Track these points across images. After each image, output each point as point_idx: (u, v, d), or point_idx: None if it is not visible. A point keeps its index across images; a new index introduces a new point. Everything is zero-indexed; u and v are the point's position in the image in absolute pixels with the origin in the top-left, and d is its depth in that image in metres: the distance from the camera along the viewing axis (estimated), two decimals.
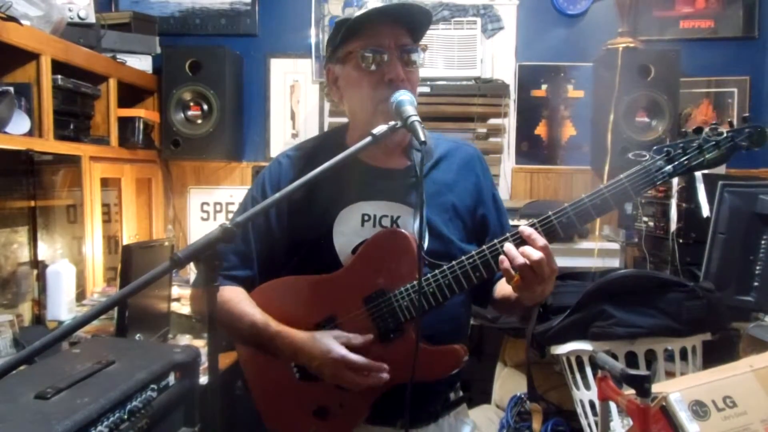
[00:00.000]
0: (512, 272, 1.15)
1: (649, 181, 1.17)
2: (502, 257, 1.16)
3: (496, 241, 1.20)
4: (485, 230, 1.39)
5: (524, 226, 1.17)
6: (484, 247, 1.21)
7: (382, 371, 1.21)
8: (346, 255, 1.30)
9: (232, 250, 1.32)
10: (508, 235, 1.20)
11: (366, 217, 1.32)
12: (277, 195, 1.05)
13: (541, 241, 1.14)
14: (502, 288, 1.38)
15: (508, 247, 1.16)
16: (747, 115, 1.21)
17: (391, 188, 1.33)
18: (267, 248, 1.35)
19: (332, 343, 1.21)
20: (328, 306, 1.27)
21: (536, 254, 1.13)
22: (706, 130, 1.17)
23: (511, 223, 1.50)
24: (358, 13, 1.26)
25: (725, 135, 1.16)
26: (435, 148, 1.40)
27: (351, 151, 1.11)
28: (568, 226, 1.19)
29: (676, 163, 1.17)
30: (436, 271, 1.23)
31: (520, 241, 1.17)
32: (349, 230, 1.31)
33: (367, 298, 1.26)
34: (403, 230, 1.28)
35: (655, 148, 1.20)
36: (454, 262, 1.22)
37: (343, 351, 1.20)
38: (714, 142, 1.16)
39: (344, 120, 1.47)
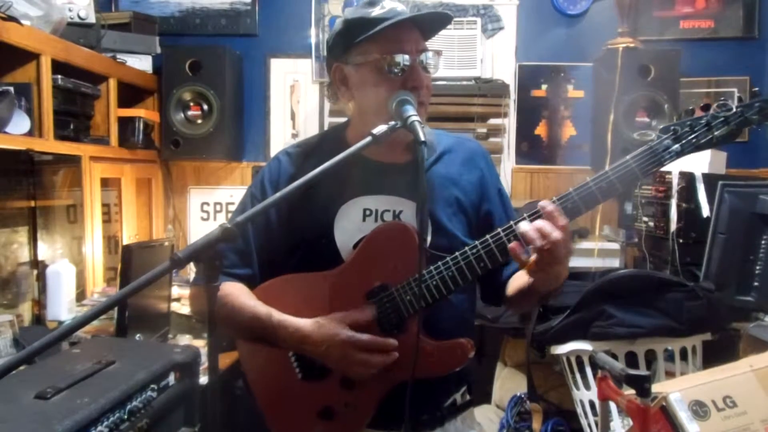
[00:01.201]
0: (521, 257, 1.12)
1: (657, 160, 1.13)
2: (512, 243, 1.13)
3: (500, 230, 1.19)
4: (490, 226, 1.36)
5: (544, 202, 1.13)
6: (487, 236, 1.20)
7: (390, 348, 1.20)
8: (347, 250, 1.29)
9: (232, 249, 1.32)
10: (511, 223, 1.18)
11: (367, 212, 1.31)
12: (278, 195, 1.04)
13: (563, 219, 1.11)
14: (515, 282, 1.35)
15: (524, 229, 1.12)
16: (756, 89, 1.16)
17: (392, 183, 1.32)
18: (267, 246, 1.34)
19: (338, 326, 1.20)
20: (331, 302, 1.26)
21: (555, 233, 1.09)
22: (714, 106, 1.13)
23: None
24: (376, 12, 1.24)
25: (734, 110, 1.12)
26: (438, 143, 1.39)
27: (351, 151, 1.10)
28: (572, 212, 1.15)
29: (684, 141, 1.12)
30: (439, 263, 1.21)
31: (535, 218, 1.13)
32: (351, 225, 1.30)
33: (369, 293, 1.25)
34: (404, 223, 1.26)
35: (662, 127, 1.16)
36: (457, 254, 1.21)
37: (350, 332, 1.19)
38: (723, 118, 1.12)
39: (345, 119, 1.46)
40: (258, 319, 1.25)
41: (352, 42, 1.27)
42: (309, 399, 1.28)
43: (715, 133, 1.12)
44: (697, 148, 1.13)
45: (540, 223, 1.11)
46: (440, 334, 1.24)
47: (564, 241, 1.10)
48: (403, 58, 1.25)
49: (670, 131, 1.14)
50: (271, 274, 1.33)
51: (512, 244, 1.13)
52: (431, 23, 1.31)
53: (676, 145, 1.13)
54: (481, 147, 1.46)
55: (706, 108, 1.15)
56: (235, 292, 1.29)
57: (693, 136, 1.13)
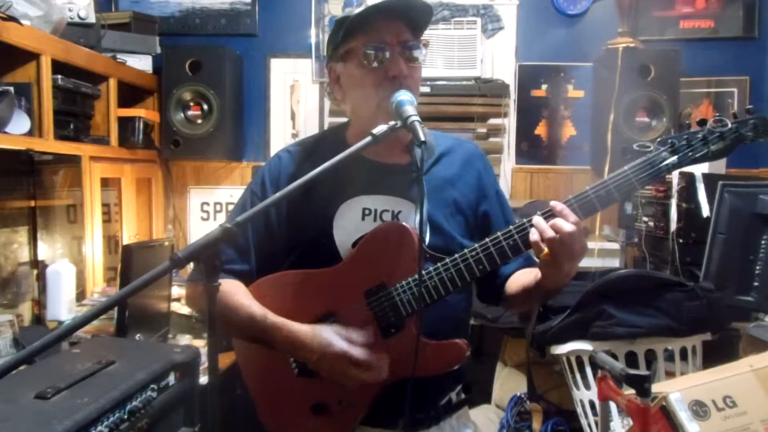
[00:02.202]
0: (542, 246, 1.14)
1: (654, 172, 1.16)
2: (532, 230, 1.15)
3: (499, 233, 1.20)
4: (487, 226, 1.39)
5: (554, 202, 1.16)
6: (487, 239, 1.21)
7: (382, 368, 1.20)
8: (346, 249, 1.30)
9: (230, 244, 1.32)
10: (510, 227, 1.20)
11: (367, 212, 1.32)
12: (277, 195, 1.05)
13: (573, 216, 1.14)
14: (518, 280, 1.36)
15: (537, 220, 1.15)
16: (751, 106, 1.19)
17: (392, 183, 1.33)
18: (266, 242, 1.35)
19: (333, 336, 1.20)
20: (328, 300, 1.26)
21: (568, 226, 1.12)
22: (710, 121, 1.16)
23: None
24: (358, 10, 1.26)
25: (730, 126, 1.16)
26: (436, 145, 1.40)
27: (351, 150, 1.11)
28: None
29: (681, 154, 1.16)
30: (438, 265, 1.22)
31: (550, 216, 1.16)
32: (350, 224, 1.31)
33: (367, 291, 1.25)
34: (403, 223, 1.27)
35: (659, 140, 1.19)
36: (456, 255, 1.22)
37: (345, 345, 1.19)
38: (719, 134, 1.16)
39: (345, 120, 1.47)
40: (253, 319, 1.25)
41: (339, 39, 1.31)
42: (303, 394, 1.29)
43: (711, 147, 1.17)
44: (694, 161, 1.17)
45: (553, 219, 1.14)
46: (436, 333, 1.25)
47: (578, 235, 1.12)
48: (380, 48, 1.26)
49: (667, 144, 1.17)
50: (269, 271, 1.33)
51: (532, 237, 1.15)
52: (414, 14, 1.30)
53: (673, 158, 1.17)
54: (479, 149, 1.48)
55: (702, 123, 1.18)
56: (232, 291, 1.29)
57: (689, 149, 1.17)
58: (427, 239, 1.28)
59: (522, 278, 1.34)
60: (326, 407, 1.28)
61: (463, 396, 1.42)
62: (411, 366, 1.17)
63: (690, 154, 1.16)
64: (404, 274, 1.23)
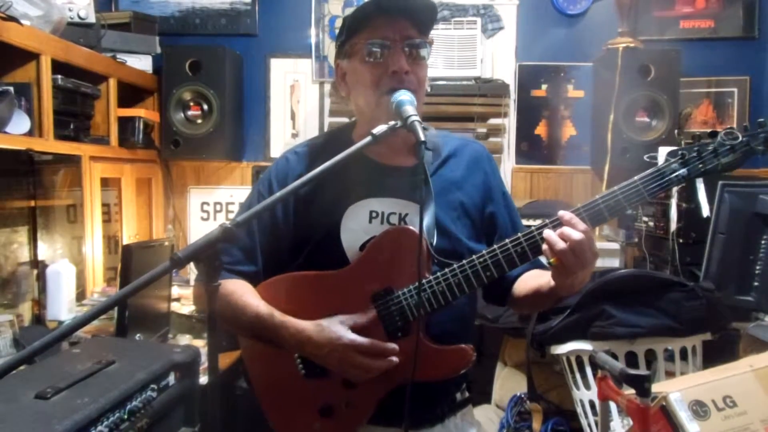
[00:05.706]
0: (549, 254, 1.13)
1: (664, 183, 1.17)
2: (544, 245, 1.14)
3: (507, 241, 1.20)
4: (494, 228, 1.38)
5: (563, 211, 1.16)
6: (495, 247, 1.20)
7: (392, 352, 1.20)
8: (353, 252, 1.29)
9: (237, 245, 1.32)
10: (519, 234, 1.19)
11: (374, 214, 1.31)
12: (281, 193, 1.05)
13: (582, 225, 1.13)
14: (529, 282, 1.35)
15: (548, 232, 1.14)
16: (762, 120, 1.20)
17: (398, 185, 1.32)
18: (273, 244, 1.35)
19: (341, 329, 1.20)
20: (335, 303, 1.26)
21: (577, 234, 1.11)
22: (721, 133, 1.16)
23: None
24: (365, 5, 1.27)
25: (741, 139, 1.16)
26: (443, 146, 1.40)
27: (352, 150, 1.11)
28: None
29: (691, 166, 1.16)
30: (446, 270, 1.22)
31: (558, 225, 1.15)
32: (357, 227, 1.31)
33: (374, 295, 1.25)
34: (412, 228, 1.27)
35: (669, 151, 1.19)
36: (464, 261, 1.21)
37: (353, 335, 1.20)
38: (729, 146, 1.16)
39: (345, 120, 1.47)
40: (260, 318, 1.25)
41: (344, 35, 1.31)
42: (311, 396, 1.29)
43: (722, 160, 1.17)
44: (704, 173, 1.17)
45: (561, 228, 1.13)
46: (442, 335, 1.25)
47: (587, 243, 1.12)
48: (382, 43, 1.27)
49: (678, 155, 1.18)
50: (276, 273, 1.33)
51: (543, 246, 1.15)
52: (418, 12, 1.30)
53: (683, 170, 1.17)
54: (485, 150, 1.47)
55: (713, 135, 1.18)
56: (239, 291, 1.29)
57: (700, 161, 1.17)
58: (435, 242, 1.28)
59: (532, 281, 1.33)
60: (333, 409, 1.28)
61: (467, 394, 1.42)
62: (416, 370, 1.16)
63: (700, 166, 1.16)
64: (412, 279, 1.23)
